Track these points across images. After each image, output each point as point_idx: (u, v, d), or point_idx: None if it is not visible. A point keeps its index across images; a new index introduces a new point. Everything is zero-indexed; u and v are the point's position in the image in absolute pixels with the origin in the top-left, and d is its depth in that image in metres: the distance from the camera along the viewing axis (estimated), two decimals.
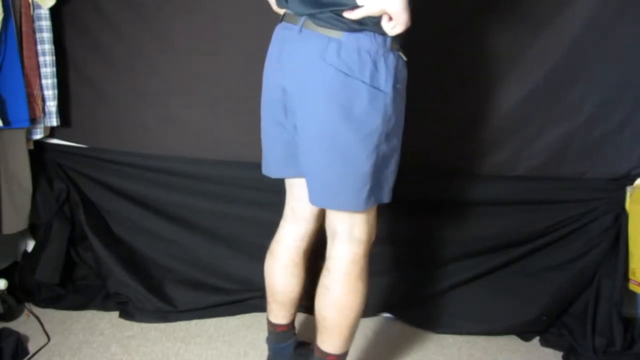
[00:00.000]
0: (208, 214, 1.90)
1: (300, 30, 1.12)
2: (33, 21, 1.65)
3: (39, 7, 1.65)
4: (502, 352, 1.81)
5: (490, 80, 1.74)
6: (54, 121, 1.76)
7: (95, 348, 1.64)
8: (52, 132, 1.83)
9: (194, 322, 1.82)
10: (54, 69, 1.72)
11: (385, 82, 1.10)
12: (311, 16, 1.10)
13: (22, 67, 1.62)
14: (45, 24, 1.67)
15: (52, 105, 1.74)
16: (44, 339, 1.65)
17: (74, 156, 1.87)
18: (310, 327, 1.46)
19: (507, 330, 1.89)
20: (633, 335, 1.79)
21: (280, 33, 1.20)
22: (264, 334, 1.53)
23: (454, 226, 1.88)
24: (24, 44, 1.63)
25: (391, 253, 1.88)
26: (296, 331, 1.52)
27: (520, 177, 1.83)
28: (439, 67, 1.69)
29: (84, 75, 1.81)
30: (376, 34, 1.08)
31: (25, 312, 1.79)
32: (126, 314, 1.81)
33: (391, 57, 1.11)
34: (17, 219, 1.74)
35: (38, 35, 1.67)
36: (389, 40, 1.10)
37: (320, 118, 1.12)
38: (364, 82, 1.08)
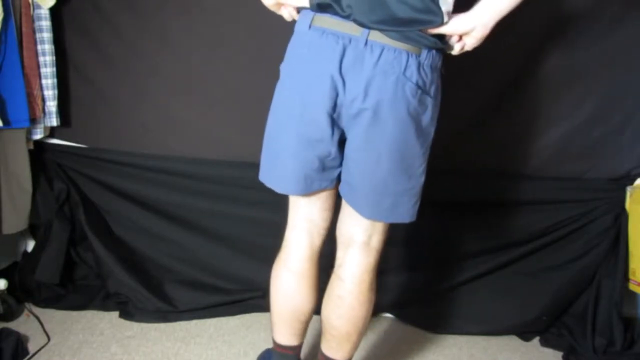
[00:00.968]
0: (208, 214, 1.90)
1: (366, 43, 1.05)
2: (33, 21, 1.65)
3: (39, 7, 1.65)
4: (502, 352, 1.81)
5: (490, 80, 1.74)
6: (54, 121, 1.76)
7: (95, 348, 1.64)
8: (52, 132, 1.83)
9: (194, 322, 1.82)
10: (54, 69, 1.72)
11: (437, 95, 1.14)
12: (383, 30, 1.04)
13: (22, 67, 1.62)
14: (45, 24, 1.67)
15: (52, 105, 1.74)
16: (44, 339, 1.65)
17: (74, 156, 1.87)
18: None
19: (507, 330, 1.89)
20: (633, 335, 1.79)
21: (321, 42, 1.08)
22: (264, 334, 1.53)
23: (454, 226, 1.89)
24: (24, 44, 1.63)
25: (391, 254, 1.87)
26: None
27: (521, 177, 1.83)
28: None
29: (84, 75, 1.81)
30: (439, 50, 1.10)
31: (25, 312, 1.79)
32: (126, 314, 1.81)
33: (439, 72, 1.14)
34: (17, 219, 1.74)
35: (38, 35, 1.67)
36: (441, 57, 1.13)
37: (395, 133, 1.09)
38: (430, 96, 1.10)
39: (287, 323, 1.32)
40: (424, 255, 1.92)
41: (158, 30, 1.74)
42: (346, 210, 1.26)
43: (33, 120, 1.70)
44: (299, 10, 1.17)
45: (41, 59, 1.69)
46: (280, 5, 1.20)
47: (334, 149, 1.15)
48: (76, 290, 1.91)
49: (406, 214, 1.20)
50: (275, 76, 1.20)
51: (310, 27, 1.10)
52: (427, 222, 1.87)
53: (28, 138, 1.75)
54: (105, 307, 1.85)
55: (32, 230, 1.92)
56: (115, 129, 1.84)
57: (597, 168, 1.81)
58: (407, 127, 1.09)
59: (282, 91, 1.18)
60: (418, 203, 1.21)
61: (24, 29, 1.63)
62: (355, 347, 1.30)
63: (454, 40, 1.09)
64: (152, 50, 1.76)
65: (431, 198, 1.86)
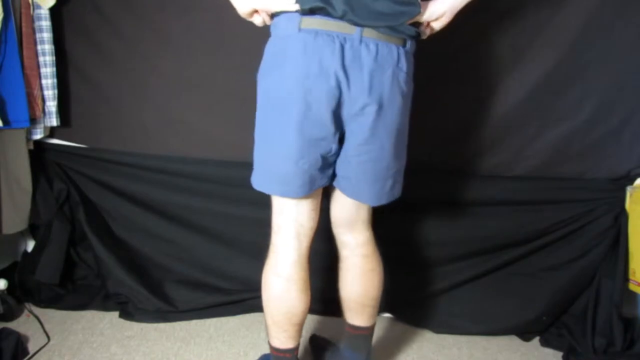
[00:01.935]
0: (208, 214, 1.90)
1: (361, 40, 1.11)
2: (33, 21, 1.66)
3: (39, 7, 1.65)
4: (502, 352, 1.81)
5: (490, 80, 1.74)
6: (54, 121, 1.76)
7: (95, 348, 1.64)
8: (52, 132, 1.83)
9: (194, 322, 1.82)
10: (54, 69, 1.72)
11: (413, 78, 1.22)
12: (375, 27, 1.11)
13: (22, 67, 1.63)
14: (45, 24, 1.67)
15: (52, 105, 1.74)
16: (44, 339, 1.65)
17: (74, 156, 1.87)
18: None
19: (507, 330, 1.89)
20: (633, 335, 1.79)
21: (317, 42, 1.10)
22: (264, 334, 1.53)
23: (454, 226, 1.88)
24: (24, 44, 1.64)
25: (391, 253, 1.86)
26: None
27: (521, 177, 1.83)
28: (439, 67, 1.68)
29: (84, 75, 1.81)
30: (416, 37, 1.20)
31: (25, 312, 1.79)
32: (126, 314, 1.81)
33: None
34: (17, 219, 1.74)
35: (38, 35, 1.67)
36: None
37: (395, 119, 1.18)
38: (412, 79, 1.21)
39: (282, 327, 1.31)
40: (423, 255, 1.91)
41: (158, 30, 1.74)
42: (340, 199, 1.33)
43: (33, 120, 1.70)
44: (272, 16, 1.18)
45: (41, 59, 1.69)
46: (254, 12, 1.21)
47: (335, 146, 1.19)
48: (76, 290, 1.91)
49: (398, 191, 1.30)
50: None
51: (299, 29, 1.11)
52: (427, 222, 1.90)
53: (28, 138, 1.75)
54: (105, 307, 1.85)
55: (32, 230, 1.92)
56: (116, 129, 1.84)
57: (597, 168, 1.81)
58: (401, 111, 1.19)
59: (276, 95, 1.16)
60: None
61: (24, 29, 1.63)
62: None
63: (423, 26, 1.19)
64: (152, 50, 1.76)
65: (431, 198, 1.87)
